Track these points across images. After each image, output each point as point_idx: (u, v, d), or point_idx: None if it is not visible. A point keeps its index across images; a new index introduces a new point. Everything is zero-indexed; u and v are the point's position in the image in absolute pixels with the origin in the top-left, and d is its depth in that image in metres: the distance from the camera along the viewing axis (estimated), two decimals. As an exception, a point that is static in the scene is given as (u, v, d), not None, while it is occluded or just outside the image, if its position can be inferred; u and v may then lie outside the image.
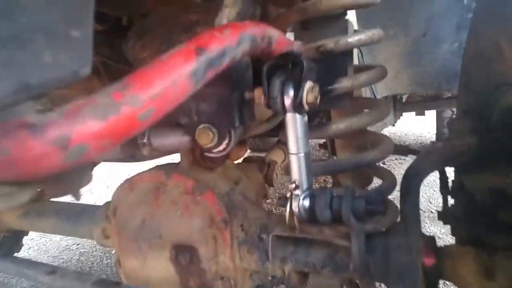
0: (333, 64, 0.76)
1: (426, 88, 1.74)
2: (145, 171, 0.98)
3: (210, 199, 0.88)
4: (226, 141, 0.76)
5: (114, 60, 0.81)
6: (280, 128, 0.99)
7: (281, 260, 0.82)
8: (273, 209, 2.01)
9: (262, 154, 1.52)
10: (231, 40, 0.40)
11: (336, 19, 0.77)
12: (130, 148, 0.76)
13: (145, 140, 0.74)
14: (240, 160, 1.41)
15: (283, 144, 1.73)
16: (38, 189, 1.05)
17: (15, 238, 1.63)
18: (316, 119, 1.48)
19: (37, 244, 2.49)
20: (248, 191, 1.10)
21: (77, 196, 0.92)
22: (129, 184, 0.98)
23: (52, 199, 1.28)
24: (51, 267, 0.85)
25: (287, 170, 0.77)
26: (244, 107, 0.74)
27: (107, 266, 2.04)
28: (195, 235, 0.87)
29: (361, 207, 0.59)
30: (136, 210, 0.92)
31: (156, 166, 1.02)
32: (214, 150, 0.77)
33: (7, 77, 0.26)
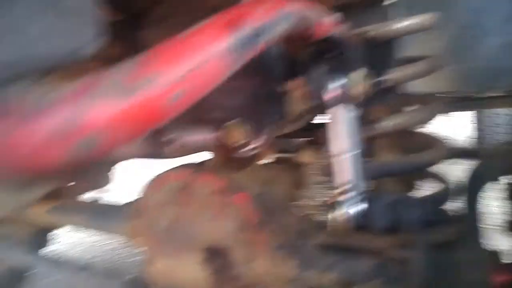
0: (377, 54, 0.69)
1: (469, 86, 1.62)
2: (172, 169, 0.95)
3: (243, 200, 0.84)
4: (258, 139, 0.71)
5: (134, 51, 0.77)
6: (312, 127, 0.94)
7: (323, 269, 0.77)
8: (308, 213, 1.95)
9: (288, 155, 1.48)
10: (269, 16, 0.34)
11: (376, 4, 0.70)
12: (152, 144, 0.72)
13: (170, 136, 0.70)
14: (268, 161, 1.37)
15: (315, 144, 1.67)
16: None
17: (42, 234, 1.66)
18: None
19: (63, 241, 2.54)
20: (279, 193, 1.06)
21: (101, 193, 0.91)
22: (157, 182, 0.95)
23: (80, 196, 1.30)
24: (83, 264, 0.86)
25: (328, 172, 0.70)
26: (277, 101, 0.69)
27: (130, 265, 2.04)
28: (228, 238, 0.84)
29: (421, 216, 0.52)
30: (164, 209, 0.89)
31: (183, 164, 0.99)
32: (245, 148, 0.72)
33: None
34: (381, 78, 0.67)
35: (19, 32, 0.22)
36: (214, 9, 0.60)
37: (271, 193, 0.95)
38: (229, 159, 0.91)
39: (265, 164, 1.24)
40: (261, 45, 0.34)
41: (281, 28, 0.38)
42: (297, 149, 1.82)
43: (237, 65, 0.31)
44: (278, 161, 1.41)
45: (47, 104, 0.19)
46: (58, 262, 0.90)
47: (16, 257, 1.01)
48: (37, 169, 0.19)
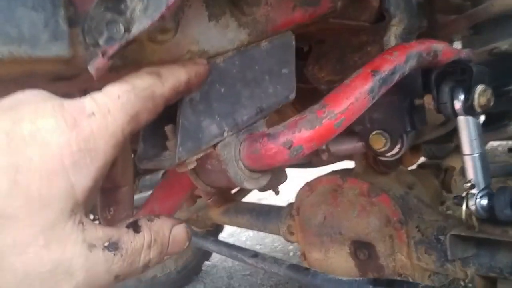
0: (509, 65, 0.75)
1: None
2: (323, 175, 1.11)
3: (385, 201, 0.95)
4: (398, 146, 0.82)
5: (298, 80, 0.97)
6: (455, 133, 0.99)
7: (463, 262, 0.82)
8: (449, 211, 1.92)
9: (435, 161, 1.49)
10: (399, 60, 0.49)
11: (509, 18, 0.76)
12: (310, 154, 0.89)
13: (324, 147, 0.86)
14: (414, 167, 1.42)
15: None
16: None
17: (215, 232, 1.99)
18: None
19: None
20: (423, 195, 1.12)
21: (276, 191, 1.11)
22: (309, 186, 1.12)
23: (243, 200, 1.55)
24: (254, 252, 1.06)
25: (463, 172, 0.78)
26: (414, 112, 0.79)
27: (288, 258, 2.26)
28: (372, 233, 0.95)
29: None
30: (317, 209, 1.05)
31: (332, 171, 1.14)
32: (387, 154, 0.84)
33: (252, 106, 0.42)
34: (509, 88, 0.73)
35: (263, 90, 0.43)
36: (362, 44, 0.75)
37: (415, 195, 1.02)
38: (373, 165, 1.04)
39: (411, 169, 1.30)
40: (395, 80, 0.49)
41: (412, 64, 0.52)
42: (446, 154, 1.81)
43: (379, 96, 0.47)
44: (424, 166, 1.45)
45: (279, 131, 0.39)
46: (239, 250, 1.12)
47: (202, 243, 1.30)
48: (277, 163, 0.39)
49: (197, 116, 0.40)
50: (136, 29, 0.29)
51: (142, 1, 0.29)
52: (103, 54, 0.29)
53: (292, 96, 0.47)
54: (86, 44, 0.31)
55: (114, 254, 0.30)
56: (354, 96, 0.42)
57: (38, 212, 0.27)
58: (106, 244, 0.30)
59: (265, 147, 0.39)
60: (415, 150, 1.21)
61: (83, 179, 0.29)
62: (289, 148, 0.38)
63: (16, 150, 0.26)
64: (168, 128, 0.40)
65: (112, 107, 0.30)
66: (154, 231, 0.34)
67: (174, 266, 1.93)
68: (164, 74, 0.34)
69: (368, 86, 0.44)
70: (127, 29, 0.29)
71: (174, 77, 0.35)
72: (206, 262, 2.14)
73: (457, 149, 1.76)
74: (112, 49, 0.29)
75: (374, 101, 0.46)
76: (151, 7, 0.29)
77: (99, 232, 0.30)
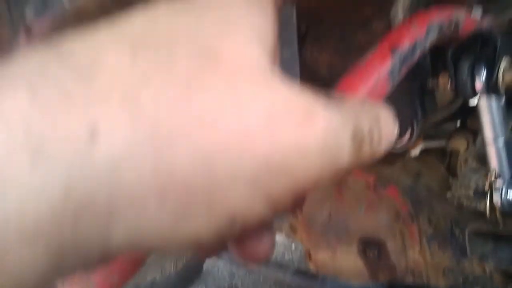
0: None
1: None
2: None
3: (394, 193, 0.89)
4: (408, 134, 0.75)
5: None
6: (464, 112, 0.92)
7: (480, 258, 0.77)
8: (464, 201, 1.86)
9: (436, 141, 1.43)
10: (420, 33, 0.40)
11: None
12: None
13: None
14: (417, 152, 1.35)
15: (467, 129, 1.58)
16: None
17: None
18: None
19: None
20: (431, 183, 1.06)
21: None
22: (312, 181, 1.05)
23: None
24: None
25: (481, 159, 0.71)
26: (425, 96, 0.71)
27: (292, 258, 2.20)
28: (382, 230, 0.89)
29: None
30: (321, 206, 0.98)
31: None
32: (396, 144, 0.76)
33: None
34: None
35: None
36: (366, 19, 0.66)
37: (423, 184, 0.96)
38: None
39: (415, 157, 1.24)
40: (417, 56, 0.40)
41: (432, 37, 0.43)
42: (449, 135, 1.73)
43: (400, 77, 0.38)
44: (428, 150, 1.38)
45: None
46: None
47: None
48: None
49: None
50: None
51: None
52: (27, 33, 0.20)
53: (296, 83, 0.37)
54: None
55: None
56: (373, 80, 0.34)
57: None
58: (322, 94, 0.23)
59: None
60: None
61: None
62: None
63: None
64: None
65: None
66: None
67: (173, 268, 1.85)
68: None
69: (387, 66, 0.35)
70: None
71: None
72: (208, 261, 2.06)
73: (461, 130, 1.70)
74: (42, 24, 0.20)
75: (394, 84, 0.37)
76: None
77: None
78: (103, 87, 0.16)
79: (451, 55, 0.58)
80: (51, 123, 0.14)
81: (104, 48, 0.17)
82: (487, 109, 0.59)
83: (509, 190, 0.61)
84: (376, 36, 0.62)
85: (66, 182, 0.14)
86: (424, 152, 1.38)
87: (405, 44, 0.38)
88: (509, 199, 0.61)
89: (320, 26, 0.69)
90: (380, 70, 0.34)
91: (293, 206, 0.24)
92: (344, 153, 0.21)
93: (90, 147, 0.15)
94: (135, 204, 0.15)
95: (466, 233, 0.77)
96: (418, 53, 0.40)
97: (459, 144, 1.57)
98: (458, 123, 1.50)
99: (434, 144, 1.35)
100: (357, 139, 0.22)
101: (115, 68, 0.16)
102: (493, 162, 0.62)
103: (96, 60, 0.16)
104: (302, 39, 0.73)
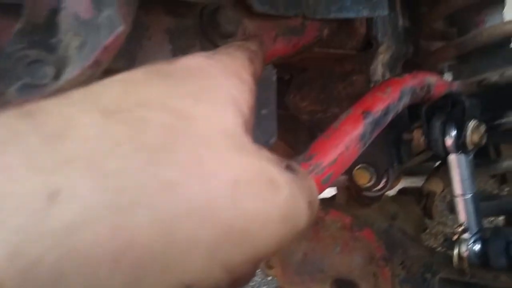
0: (500, 97, 0.71)
1: None
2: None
3: (369, 236, 0.90)
4: (384, 180, 0.77)
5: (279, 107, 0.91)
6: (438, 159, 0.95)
7: None
8: (434, 244, 1.89)
9: (415, 179, 1.45)
10: (393, 97, 0.44)
11: (499, 48, 0.72)
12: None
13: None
14: (395, 192, 1.38)
15: (442, 172, 1.61)
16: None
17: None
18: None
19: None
20: (406, 226, 1.07)
21: None
22: (290, 218, 1.06)
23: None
24: None
25: (451, 208, 0.73)
26: (401, 146, 0.75)
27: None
28: (355, 271, 0.90)
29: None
30: (297, 244, 0.98)
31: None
32: (372, 190, 0.79)
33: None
34: (504, 120, 0.69)
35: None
36: (347, 73, 0.70)
37: (398, 227, 0.97)
38: (356, 197, 0.98)
39: (392, 197, 1.26)
40: (388, 120, 0.43)
41: (406, 101, 0.46)
42: (426, 177, 1.77)
43: (371, 139, 0.41)
44: (406, 191, 1.40)
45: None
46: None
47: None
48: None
49: None
50: (69, 74, 0.22)
51: (79, 35, 0.22)
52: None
53: (273, 140, 0.40)
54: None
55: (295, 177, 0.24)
56: (344, 144, 0.36)
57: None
58: (284, 164, 0.24)
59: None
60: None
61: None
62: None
63: None
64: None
65: None
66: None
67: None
68: None
69: (359, 131, 0.38)
70: (57, 74, 0.22)
71: None
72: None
73: (437, 171, 1.74)
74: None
75: (365, 147, 0.40)
76: (89, 45, 0.22)
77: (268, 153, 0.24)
78: (70, 153, 0.16)
79: (424, 112, 0.61)
80: (11, 183, 0.15)
81: (77, 114, 0.18)
82: (456, 166, 0.63)
83: (475, 243, 0.64)
84: (356, 88, 0.65)
85: (14, 245, 0.14)
86: (402, 191, 1.42)
87: (378, 108, 0.41)
88: (475, 251, 0.64)
89: (303, 75, 0.73)
90: (351, 134, 0.37)
91: (254, 271, 0.25)
92: (302, 219, 0.22)
93: (46, 210, 0.15)
94: (86, 269, 0.15)
95: (437, 280, 0.77)
96: (391, 116, 0.43)
97: (435, 186, 1.60)
98: (437, 163, 1.54)
99: (412, 183, 1.38)
100: (312, 204, 0.23)
101: (85, 134, 0.17)
102: (462, 215, 0.65)
103: (67, 126, 0.17)
104: (285, 86, 0.77)
